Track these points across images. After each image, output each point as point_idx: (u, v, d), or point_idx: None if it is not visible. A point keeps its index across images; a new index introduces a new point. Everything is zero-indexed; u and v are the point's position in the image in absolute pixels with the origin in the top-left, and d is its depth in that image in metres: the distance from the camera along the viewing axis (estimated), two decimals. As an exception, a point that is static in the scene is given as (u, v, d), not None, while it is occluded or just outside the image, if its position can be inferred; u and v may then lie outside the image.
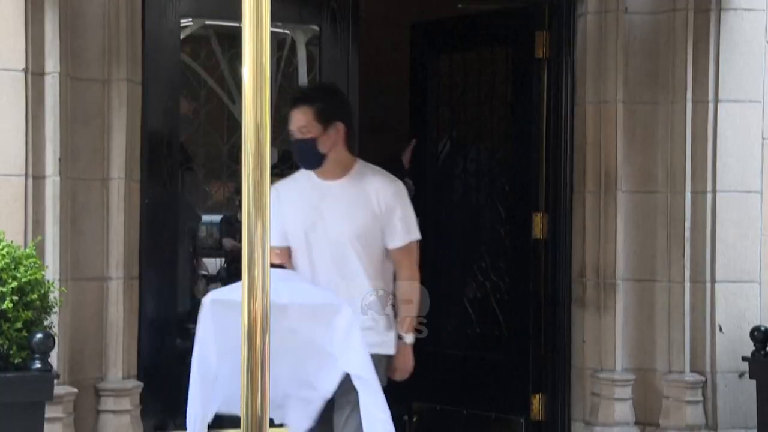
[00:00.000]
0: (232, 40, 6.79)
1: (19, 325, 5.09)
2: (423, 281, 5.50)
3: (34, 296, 5.19)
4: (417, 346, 5.45)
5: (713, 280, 6.64)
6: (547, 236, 7.15)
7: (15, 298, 5.09)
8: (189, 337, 7.01)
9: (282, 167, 7.36)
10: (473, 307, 7.79)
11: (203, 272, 7.73)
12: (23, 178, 5.89)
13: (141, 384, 6.20)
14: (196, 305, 7.26)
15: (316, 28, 7.13)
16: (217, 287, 7.77)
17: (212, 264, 7.86)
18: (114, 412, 6.12)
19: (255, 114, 2.78)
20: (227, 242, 7.70)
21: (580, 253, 6.94)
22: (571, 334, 6.99)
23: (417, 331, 5.26)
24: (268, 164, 2.79)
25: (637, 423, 6.76)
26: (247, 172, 2.78)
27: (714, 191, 6.64)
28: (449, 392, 7.32)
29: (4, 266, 5.12)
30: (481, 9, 7.59)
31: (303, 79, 7.44)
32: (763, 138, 6.74)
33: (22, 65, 5.89)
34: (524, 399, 7.15)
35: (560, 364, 7.04)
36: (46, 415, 5.24)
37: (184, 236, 7.14)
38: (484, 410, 7.16)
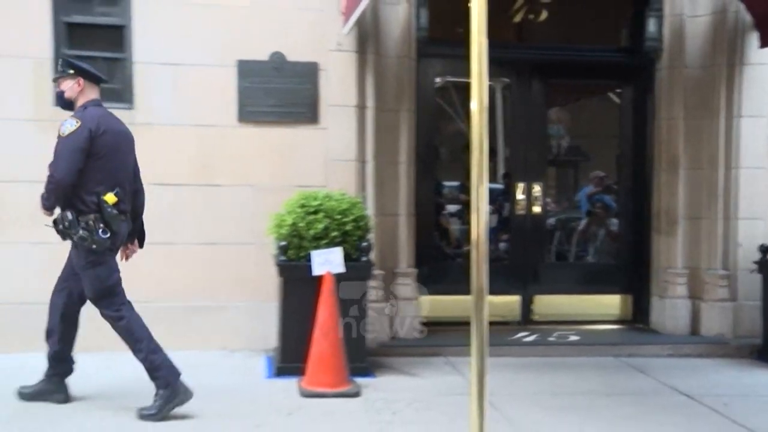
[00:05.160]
0: (462, 89, 6.89)
1: (355, 238, 5.21)
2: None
3: (362, 223, 5.29)
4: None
5: (737, 218, 6.46)
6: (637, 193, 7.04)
7: (353, 224, 5.20)
8: (437, 246, 7.26)
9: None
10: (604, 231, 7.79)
11: (444, 212, 7.83)
12: (355, 162, 6.03)
13: (416, 270, 6.32)
14: (439, 229, 7.48)
15: (507, 80, 7.08)
16: (457, 222, 7.98)
17: (451, 208, 8.00)
18: (402, 284, 6.26)
19: (479, 130, 2.82)
20: (460, 195, 7.81)
21: (657, 203, 6.82)
22: (651, 248, 6.88)
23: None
24: (486, 156, 2.82)
25: (689, 297, 6.65)
26: (475, 158, 2.81)
27: (737, 168, 6.46)
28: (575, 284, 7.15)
29: (348, 207, 5.26)
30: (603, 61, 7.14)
31: (500, 110, 7.49)
32: (767, 137, 6.51)
33: (355, 103, 6.03)
34: (628, 283, 7.08)
35: (646, 265, 6.94)
36: (369, 284, 5.36)
37: (436, 193, 7.15)
38: (602, 293, 7.13)
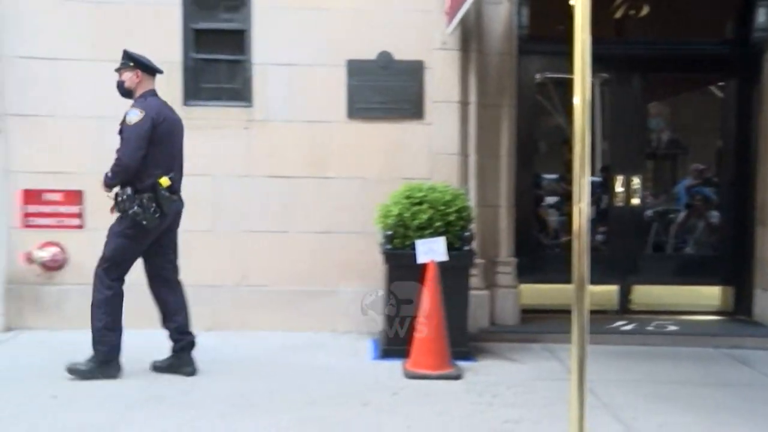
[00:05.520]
0: (562, 84, 6.73)
1: (457, 228, 5.21)
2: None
3: (465, 214, 5.29)
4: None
5: None
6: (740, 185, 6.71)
7: (456, 214, 5.21)
8: (536, 237, 7.17)
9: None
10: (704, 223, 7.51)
11: (543, 204, 7.73)
12: (458, 156, 6.00)
13: (516, 259, 6.25)
14: (538, 220, 7.39)
15: (606, 75, 6.90)
16: (555, 213, 7.86)
17: (550, 200, 7.86)
18: (502, 273, 6.21)
19: (582, 124, 2.81)
20: (558, 188, 7.69)
21: (762, 195, 6.48)
22: (755, 240, 6.55)
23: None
24: (588, 150, 2.81)
25: (794, 289, 6.31)
26: (577, 152, 2.82)
27: None
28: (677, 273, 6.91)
29: (451, 198, 5.27)
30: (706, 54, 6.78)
31: (598, 105, 7.32)
32: None
33: (458, 99, 6.00)
34: (729, 275, 6.78)
35: (749, 257, 6.61)
36: (470, 272, 5.34)
37: (535, 186, 7.07)
38: (702, 284, 6.88)
